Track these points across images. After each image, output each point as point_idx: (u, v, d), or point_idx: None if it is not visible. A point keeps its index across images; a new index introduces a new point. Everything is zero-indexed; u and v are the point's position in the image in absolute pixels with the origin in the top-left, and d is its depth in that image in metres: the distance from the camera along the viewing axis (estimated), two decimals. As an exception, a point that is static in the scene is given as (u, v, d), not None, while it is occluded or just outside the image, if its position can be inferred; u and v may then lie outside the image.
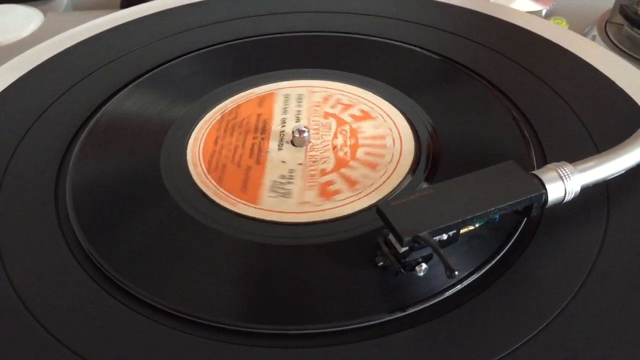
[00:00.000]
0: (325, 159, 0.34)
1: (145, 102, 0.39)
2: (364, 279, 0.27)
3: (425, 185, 0.32)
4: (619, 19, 0.52)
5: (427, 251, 0.25)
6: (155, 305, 0.26)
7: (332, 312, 0.25)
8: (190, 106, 0.38)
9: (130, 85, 0.40)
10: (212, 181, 0.32)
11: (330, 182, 0.32)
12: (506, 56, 0.42)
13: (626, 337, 0.24)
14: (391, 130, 0.35)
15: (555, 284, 0.26)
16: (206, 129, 0.36)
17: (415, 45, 0.43)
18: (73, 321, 0.25)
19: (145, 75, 0.41)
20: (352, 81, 0.40)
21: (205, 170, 0.33)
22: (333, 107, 0.38)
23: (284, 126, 0.36)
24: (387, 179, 0.32)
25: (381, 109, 0.37)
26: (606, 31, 0.53)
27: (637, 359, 0.23)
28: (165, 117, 0.37)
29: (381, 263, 0.26)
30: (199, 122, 0.37)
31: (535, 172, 0.28)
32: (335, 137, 0.35)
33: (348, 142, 0.35)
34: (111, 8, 0.59)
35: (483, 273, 0.27)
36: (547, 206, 0.27)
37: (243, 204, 0.31)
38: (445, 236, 0.25)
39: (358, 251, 0.28)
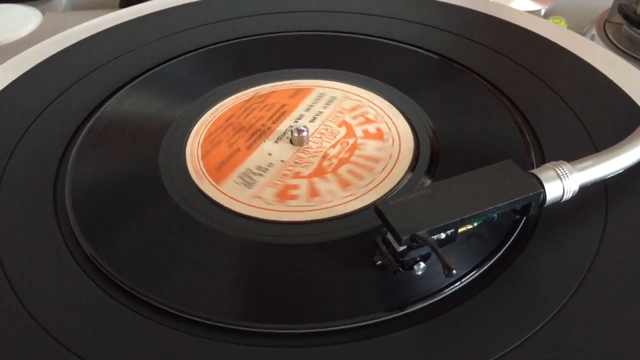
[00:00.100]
0: (308, 164, 0.33)
1: (144, 101, 0.39)
2: (362, 278, 0.27)
3: (427, 180, 0.32)
4: (618, 18, 0.52)
5: (425, 250, 0.25)
6: (155, 304, 0.26)
7: (331, 311, 0.25)
8: (189, 105, 0.38)
9: (129, 85, 0.40)
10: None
11: (294, 187, 0.32)
12: (505, 56, 0.42)
13: (624, 335, 0.24)
14: (391, 156, 0.34)
15: (554, 283, 0.26)
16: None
17: (415, 46, 0.43)
18: (72, 321, 0.25)
19: (144, 75, 0.41)
20: (387, 96, 0.38)
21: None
22: (355, 117, 0.37)
23: (296, 122, 0.36)
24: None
25: (397, 129, 0.35)
26: (605, 30, 0.53)
27: (636, 357, 0.23)
28: (164, 116, 0.37)
29: (379, 262, 0.26)
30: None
31: (534, 171, 0.28)
32: (333, 146, 0.34)
33: (341, 155, 0.34)
34: (110, 8, 0.59)
35: (481, 272, 0.27)
36: (545, 205, 0.27)
37: (207, 180, 0.31)
38: (443, 235, 0.25)
39: (356, 250, 0.28)
